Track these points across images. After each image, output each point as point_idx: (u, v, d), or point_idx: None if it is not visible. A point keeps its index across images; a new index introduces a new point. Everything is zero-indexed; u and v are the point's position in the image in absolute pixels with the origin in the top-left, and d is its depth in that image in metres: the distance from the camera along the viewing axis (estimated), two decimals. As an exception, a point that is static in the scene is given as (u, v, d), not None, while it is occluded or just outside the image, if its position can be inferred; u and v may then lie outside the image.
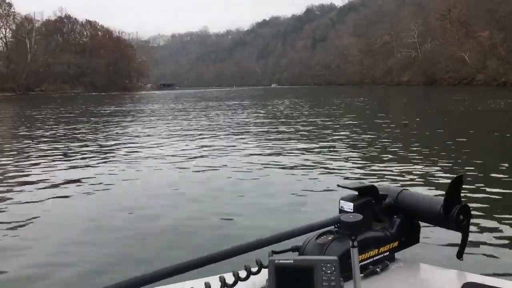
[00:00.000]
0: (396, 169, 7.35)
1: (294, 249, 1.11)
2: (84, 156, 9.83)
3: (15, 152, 10.73)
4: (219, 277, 0.95)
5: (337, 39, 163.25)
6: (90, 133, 15.09)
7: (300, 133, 13.09)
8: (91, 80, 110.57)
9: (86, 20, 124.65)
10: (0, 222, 4.98)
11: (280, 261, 0.82)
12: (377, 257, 1.12)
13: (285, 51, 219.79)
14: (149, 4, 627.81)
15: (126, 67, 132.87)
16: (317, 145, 10.34)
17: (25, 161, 9.28)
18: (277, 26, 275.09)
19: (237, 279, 0.96)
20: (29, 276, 3.59)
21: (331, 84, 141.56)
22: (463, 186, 1.15)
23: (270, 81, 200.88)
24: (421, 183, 6.32)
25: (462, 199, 1.14)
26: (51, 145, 11.76)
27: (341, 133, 12.95)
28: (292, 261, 0.82)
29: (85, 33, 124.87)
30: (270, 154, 9.18)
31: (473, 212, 1.14)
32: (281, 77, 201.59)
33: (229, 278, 0.96)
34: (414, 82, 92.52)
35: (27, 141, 12.74)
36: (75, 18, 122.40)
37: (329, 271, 0.80)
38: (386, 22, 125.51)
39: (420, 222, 1.23)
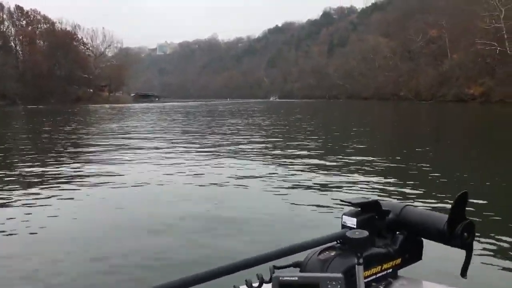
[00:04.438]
0: (399, 184, 7.46)
1: (296, 264, 1.08)
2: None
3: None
4: None
5: (359, 41, 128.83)
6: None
7: (300, 148, 12.79)
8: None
9: (16, 6, 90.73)
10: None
11: (285, 278, 0.80)
12: (379, 274, 1.10)
13: (298, 58, 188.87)
14: (159, 11, 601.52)
15: (78, 72, 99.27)
16: (319, 161, 10.25)
17: None
18: (291, 32, 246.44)
19: None
20: None
21: (352, 97, 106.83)
22: (468, 203, 1.14)
23: (280, 92, 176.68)
24: (425, 199, 6.33)
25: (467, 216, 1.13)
26: None
27: (343, 149, 12.78)
28: (296, 278, 0.80)
29: (10, 23, 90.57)
30: (270, 169, 9.17)
31: (477, 230, 1.14)
32: (292, 88, 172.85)
33: None
34: (495, 97, 54.43)
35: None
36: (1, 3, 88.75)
37: None
38: (432, 11, 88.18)
39: (423, 238, 1.20)
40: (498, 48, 60.36)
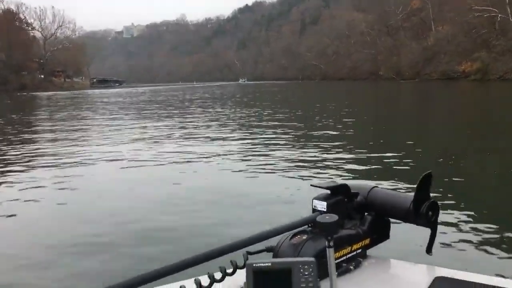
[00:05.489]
0: (367, 166, 7.40)
1: (269, 249, 1.11)
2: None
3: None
4: (195, 279, 0.96)
5: (332, 18, 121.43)
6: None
7: (272, 134, 12.58)
8: None
9: None
10: None
11: (258, 265, 0.82)
12: (350, 255, 1.14)
13: (269, 38, 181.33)
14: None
15: (22, 56, 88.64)
16: (288, 146, 10.14)
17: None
18: (261, 11, 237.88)
19: (213, 281, 0.96)
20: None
21: (326, 78, 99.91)
22: (432, 183, 1.17)
23: (252, 74, 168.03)
24: (391, 180, 6.28)
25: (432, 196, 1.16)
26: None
27: (313, 133, 12.60)
28: (269, 264, 0.83)
29: None
30: (241, 155, 9.01)
31: (441, 208, 1.18)
32: (264, 69, 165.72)
33: (205, 280, 0.96)
34: (493, 75, 46.97)
35: None
36: None
37: (306, 273, 0.81)
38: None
39: (390, 218, 1.24)
40: (500, 15, 50.43)
